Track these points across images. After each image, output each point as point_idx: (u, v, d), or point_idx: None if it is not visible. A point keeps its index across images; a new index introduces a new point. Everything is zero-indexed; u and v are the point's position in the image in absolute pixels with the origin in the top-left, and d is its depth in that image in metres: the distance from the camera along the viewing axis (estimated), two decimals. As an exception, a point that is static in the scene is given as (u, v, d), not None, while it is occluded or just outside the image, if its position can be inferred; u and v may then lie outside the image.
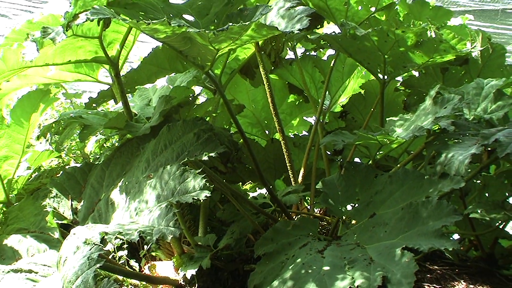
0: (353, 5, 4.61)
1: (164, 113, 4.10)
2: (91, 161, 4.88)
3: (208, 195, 3.35)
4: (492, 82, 3.93)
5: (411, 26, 4.22)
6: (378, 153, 4.66)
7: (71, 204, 4.14)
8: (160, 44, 4.26)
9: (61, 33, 3.62)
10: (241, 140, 4.20)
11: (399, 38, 4.11)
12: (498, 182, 4.28)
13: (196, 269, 4.02)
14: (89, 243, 3.30)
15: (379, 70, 4.33)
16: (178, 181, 3.47)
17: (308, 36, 4.40)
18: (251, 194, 4.80)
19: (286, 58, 4.86)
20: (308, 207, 4.68)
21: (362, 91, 4.89)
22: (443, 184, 3.47)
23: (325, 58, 5.01)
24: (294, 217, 4.34)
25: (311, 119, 5.23)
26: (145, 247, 4.51)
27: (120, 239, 4.27)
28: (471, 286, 4.31)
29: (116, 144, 4.74)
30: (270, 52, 4.71)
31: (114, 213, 3.73)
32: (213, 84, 4.17)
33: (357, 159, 4.74)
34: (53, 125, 4.61)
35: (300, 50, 4.92)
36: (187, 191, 3.41)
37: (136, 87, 4.61)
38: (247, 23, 3.60)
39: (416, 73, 4.68)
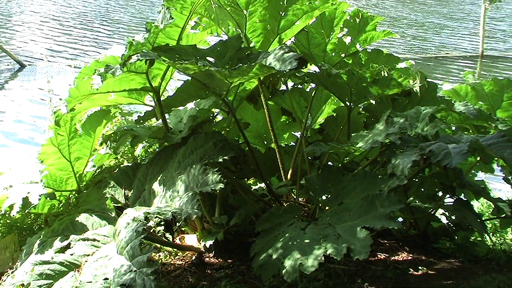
0: (329, 52, 4.61)
1: (192, 128, 4.10)
2: (139, 162, 4.88)
3: (222, 187, 3.36)
4: (427, 109, 3.92)
5: (370, 68, 4.21)
6: (345, 158, 4.66)
7: (124, 192, 4.14)
8: (189, 78, 4.26)
9: (119, 70, 3.63)
10: (247, 148, 4.20)
11: (361, 76, 4.11)
12: (431, 181, 4.28)
13: (213, 241, 4.02)
14: (136, 220, 3.30)
15: (346, 99, 4.33)
16: (200, 177, 3.47)
17: (296, 74, 4.41)
18: (254, 187, 4.80)
19: (280, 89, 4.86)
20: (295, 197, 4.67)
21: (334, 114, 4.88)
22: (392, 182, 3.47)
23: (308, 89, 5.01)
24: (284, 204, 4.33)
25: (298, 134, 5.22)
26: (177, 224, 4.51)
27: (159, 217, 4.27)
28: (411, 255, 4.30)
29: (157, 149, 4.73)
30: (269, 85, 4.71)
31: (154, 199, 3.73)
32: (227, 107, 4.17)
33: (330, 163, 4.74)
34: (112, 135, 4.61)
35: (290, 84, 4.91)
36: (207, 184, 3.41)
37: (172, 109, 4.61)
38: (252, 64, 3.60)
39: (373, 102, 4.67)
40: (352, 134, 4.06)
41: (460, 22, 21.89)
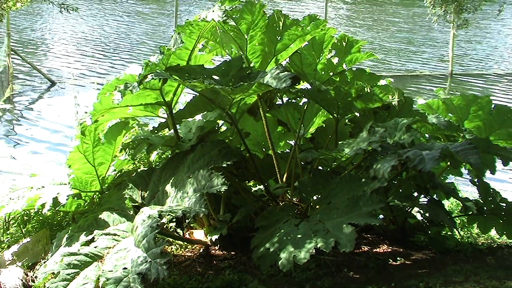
0: (319, 71, 4.62)
1: (200, 137, 4.10)
2: (153, 166, 4.87)
3: (226, 188, 3.36)
4: (404, 120, 3.93)
5: (355, 85, 4.21)
6: (333, 163, 4.65)
7: (141, 193, 4.13)
8: (197, 94, 4.25)
9: (136, 87, 3.64)
10: (247, 154, 4.19)
11: (347, 92, 4.12)
12: (407, 183, 4.28)
13: (218, 235, 4.01)
14: (151, 218, 3.30)
15: (334, 112, 4.34)
16: (207, 180, 3.47)
17: (291, 90, 4.41)
18: (253, 189, 4.79)
19: (276, 103, 4.85)
20: (289, 197, 4.66)
21: (324, 125, 4.87)
22: (374, 184, 3.47)
23: (301, 104, 5.00)
24: (280, 203, 4.32)
25: (292, 142, 5.21)
26: (186, 220, 4.50)
27: (171, 215, 4.25)
28: (390, 247, 4.30)
29: (169, 156, 4.73)
30: (267, 100, 4.70)
31: (167, 199, 3.73)
32: (230, 119, 4.17)
33: (320, 167, 4.73)
34: (130, 143, 4.61)
35: (285, 99, 4.90)
36: (213, 186, 3.41)
37: (182, 120, 4.61)
38: (252, 82, 3.61)
39: (357, 114, 4.66)
40: (339, 142, 4.06)
41: (430, 47, 21.99)
